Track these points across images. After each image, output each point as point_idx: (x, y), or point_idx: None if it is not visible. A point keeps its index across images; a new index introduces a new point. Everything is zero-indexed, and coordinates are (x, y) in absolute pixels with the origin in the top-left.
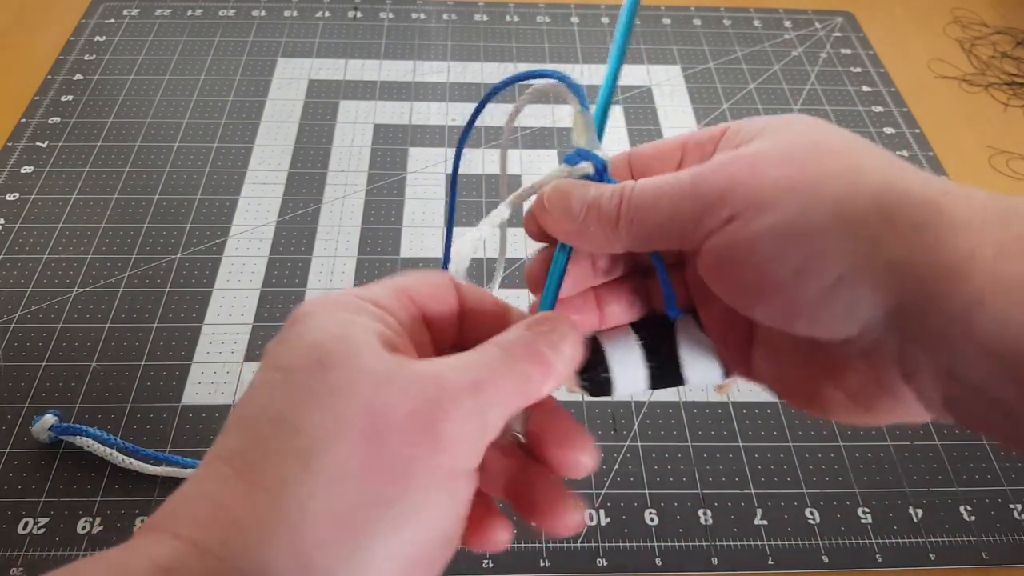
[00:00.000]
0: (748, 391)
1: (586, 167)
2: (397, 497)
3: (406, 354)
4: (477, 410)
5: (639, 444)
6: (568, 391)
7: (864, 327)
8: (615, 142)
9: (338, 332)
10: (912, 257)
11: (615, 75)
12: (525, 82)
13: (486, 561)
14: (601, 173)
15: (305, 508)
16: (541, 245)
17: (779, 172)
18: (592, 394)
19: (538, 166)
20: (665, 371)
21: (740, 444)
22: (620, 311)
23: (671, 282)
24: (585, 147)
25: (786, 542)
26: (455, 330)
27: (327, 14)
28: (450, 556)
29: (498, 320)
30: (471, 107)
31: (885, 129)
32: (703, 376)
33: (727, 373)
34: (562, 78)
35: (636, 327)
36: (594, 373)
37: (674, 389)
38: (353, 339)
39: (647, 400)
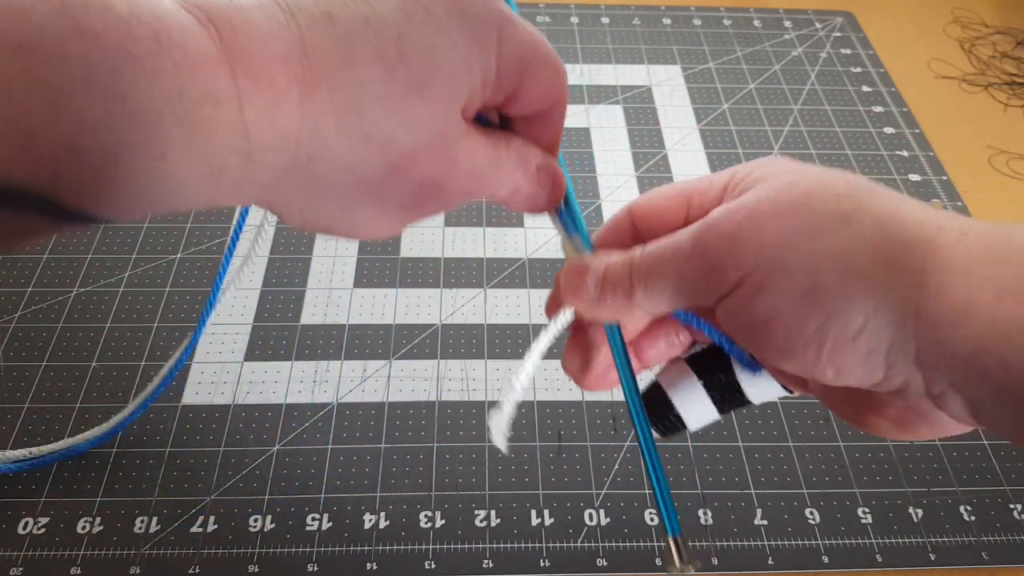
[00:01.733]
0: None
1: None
2: (363, 211)
3: (470, 110)
4: (455, 202)
5: (639, 444)
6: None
7: (889, 371)
8: (615, 142)
9: (454, 76)
10: (919, 307)
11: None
12: None
13: (486, 561)
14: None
15: (314, 168)
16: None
17: (776, 225)
18: (666, 437)
19: None
20: (729, 397)
21: (740, 444)
22: (661, 352)
23: (714, 329)
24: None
25: (786, 542)
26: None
27: None
28: (358, 240)
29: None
30: None
31: (885, 129)
32: (766, 394)
33: (789, 389)
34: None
35: (690, 362)
36: (664, 417)
37: None
38: (454, 93)
39: None
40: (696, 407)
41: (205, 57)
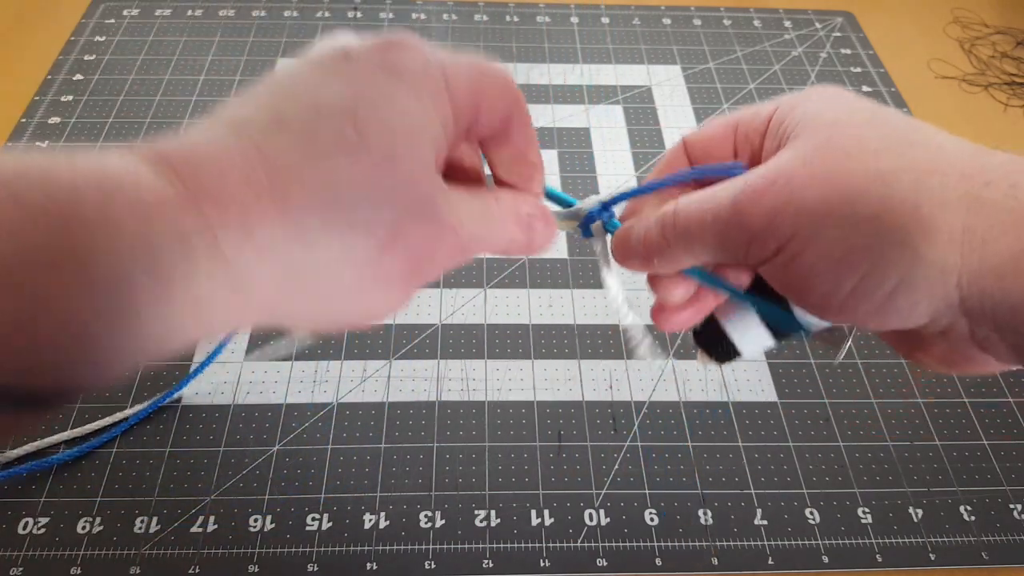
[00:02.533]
0: (748, 391)
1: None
2: (365, 295)
3: (440, 159)
4: (456, 261)
5: (639, 444)
6: (703, 366)
7: (932, 317)
8: (615, 141)
9: (416, 135)
10: (961, 261)
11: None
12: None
13: (486, 561)
14: (594, 217)
15: (309, 269)
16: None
17: (812, 195)
18: (722, 361)
19: None
20: (781, 321)
21: (740, 444)
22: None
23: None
24: (576, 211)
25: (786, 542)
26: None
27: (327, 14)
28: (374, 323)
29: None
30: None
31: None
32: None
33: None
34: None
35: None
36: (719, 345)
37: (674, 389)
38: (421, 153)
39: (647, 400)
40: (749, 333)
41: (163, 199)
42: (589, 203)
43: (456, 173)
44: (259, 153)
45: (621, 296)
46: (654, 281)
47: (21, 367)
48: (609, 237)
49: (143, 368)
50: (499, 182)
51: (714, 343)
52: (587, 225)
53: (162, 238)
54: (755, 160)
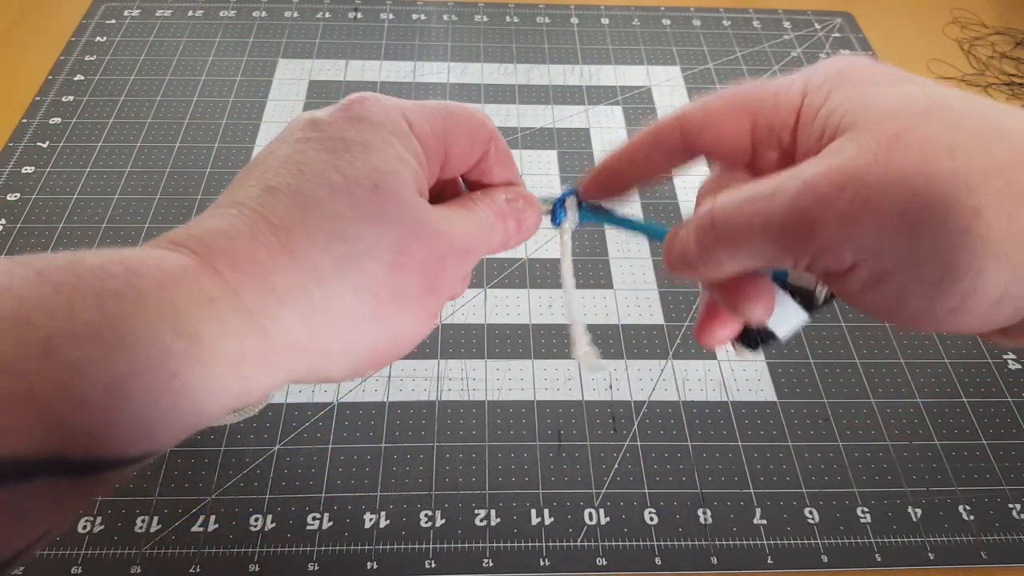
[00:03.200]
0: (748, 391)
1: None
2: (390, 318)
3: (423, 191)
4: (465, 266)
5: (639, 444)
6: (737, 356)
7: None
8: (615, 142)
9: (394, 167)
10: None
11: None
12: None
13: (486, 560)
14: (562, 201)
15: (330, 303)
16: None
17: (893, 203)
18: (758, 347)
19: (538, 165)
20: (810, 298)
21: (739, 444)
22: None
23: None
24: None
25: (785, 541)
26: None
27: (327, 15)
28: (407, 350)
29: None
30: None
31: None
32: None
33: None
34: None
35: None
36: (754, 331)
37: (674, 389)
38: (403, 181)
39: (647, 400)
40: (786, 314)
41: (184, 268)
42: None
43: (438, 200)
44: (260, 217)
45: (574, 291)
46: (723, 292)
47: (62, 428)
48: (569, 228)
49: None
50: None
51: (748, 330)
52: (557, 209)
53: (187, 301)
54: (786, 158)
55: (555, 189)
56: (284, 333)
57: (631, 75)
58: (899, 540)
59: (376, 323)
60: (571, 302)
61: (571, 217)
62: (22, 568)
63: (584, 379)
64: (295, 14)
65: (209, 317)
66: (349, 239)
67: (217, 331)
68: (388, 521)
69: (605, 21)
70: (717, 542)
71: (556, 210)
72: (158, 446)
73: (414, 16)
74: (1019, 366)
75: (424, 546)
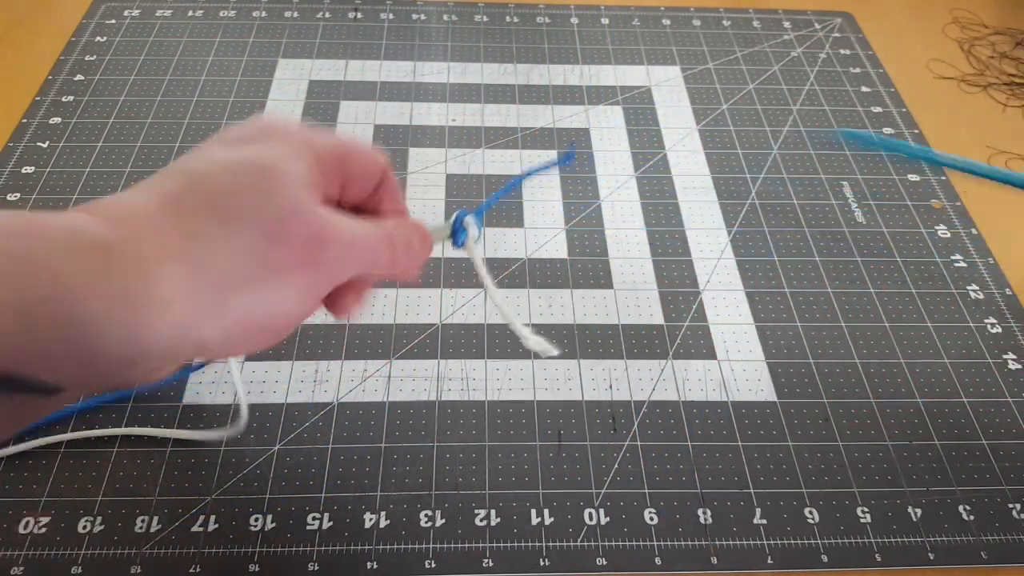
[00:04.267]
0: (747, 391)
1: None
2: (267, 286)
3: (315, 193)
4: (349, 258)
5: (639, 443)
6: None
7: None
8: (615, 142)
9: (282, 160)
10: None
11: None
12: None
13: (486, 560)
14: (461, 219)
15: (207, 262)
16: None
17: None
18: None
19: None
20: None
21: (739, 443)
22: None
23: None
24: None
25: (785, 541)
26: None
27: (327, 15)
28: (289, 331)
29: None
30: (471, 108)
31: (884, 129)
32: None
33: None
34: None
35: None
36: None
37: (674, 388)
38: (291, 172)
39: (647, 400)
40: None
41: (81, 220)
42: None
43: None
44: (154, 189)
45: (498, 293)
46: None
47: (21, 354)
48: (472, 241)
49: None
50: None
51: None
52: (457, 231)
53: (80, 245)
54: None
55: (555, 190)
56: (165, 282)
57: (631, 75)
58: (899, 540)
59: (251, 290)
60: (500, 304)
61: (471, 233)
62: (22, 568)
63: (584, 379)
64: (295, 14)
65: (98, 258)
66: (231, 207)
67: (104, 270)
68: (388, 521)
69: (605, 21)
70: (717, 542)
71: (456, 232)
72: (64, 373)
73: (414, 16)
74: (1019, 366)
75: (424, 546)
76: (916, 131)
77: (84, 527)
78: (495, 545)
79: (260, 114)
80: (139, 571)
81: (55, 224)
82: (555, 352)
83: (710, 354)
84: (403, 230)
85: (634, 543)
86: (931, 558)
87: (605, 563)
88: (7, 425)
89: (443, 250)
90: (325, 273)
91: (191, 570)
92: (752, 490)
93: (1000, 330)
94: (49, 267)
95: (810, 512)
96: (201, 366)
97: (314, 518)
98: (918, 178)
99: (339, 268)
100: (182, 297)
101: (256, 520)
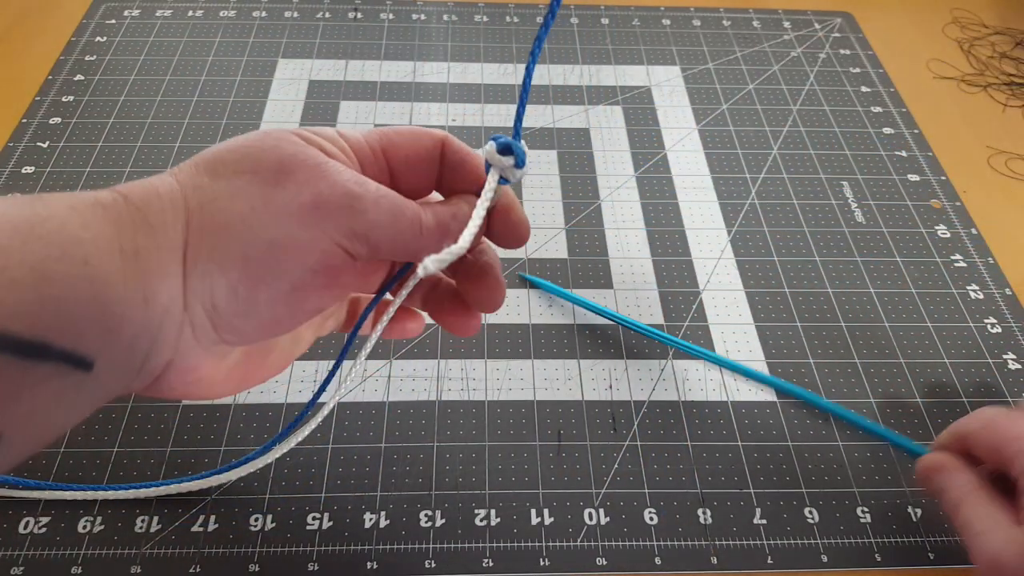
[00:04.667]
0: (747, 390)
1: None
2: (274, 230)
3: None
4: (348, 206)
5: (638, 443)
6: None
7: None
8: (615, 142)
9: (305, 147)
10: None
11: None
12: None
13: (486, 560)
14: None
15: (230, 249)
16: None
17: None
18: None
19: (538, 165)
20: None
21: (739, 443)
22: None
23: None
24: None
25: (785, 541)
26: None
27: (327, 15)
28: (309, 308)
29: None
30: (471, 108)
31: (884, 129)
32: None
33: None
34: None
35: None
36: None
37: (674, 388)
38: (306, 146)
39: (647, 400)
40: None
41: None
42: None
43: None
44: (179, 169)
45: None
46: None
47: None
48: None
49: None
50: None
51: None
52: (515, 153)
53: (101, 209)
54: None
55: (555, 190)
56: (176, 244)
57: (631, 75)
58: (899, 540)
59: (267, 236)
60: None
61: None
62: (22, 568)
63: (584, 379)
64: (295, 14)
65: (111, 221)
66: (240, 157)
67: (118, 234)
68: (388, 521)
69: (605, 21)
70: (717, 542)
71: (516, 154)
72: (89, 345)
73: (414, 16)
74: (1019, 366)
75: (424, 546)
76: (916, 131)
77: (84, 527)
78: (495, 545)
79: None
80: (139, 571)
81: (72, 195)
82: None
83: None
84: (448, 207)
85: (634, 543)
86: (931, 558)
87: (605, 563)
88: (65, 410)
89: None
90: (335, 222)
91: (191, 570)
92: (752, 490)
93: (1000, 330)
94: (64, 229)
95: (810, 512)
96: None
97: (314, 518)
98: (918, 178)
99: (349, 220)
100: (192, 256)
101: (256, 520)
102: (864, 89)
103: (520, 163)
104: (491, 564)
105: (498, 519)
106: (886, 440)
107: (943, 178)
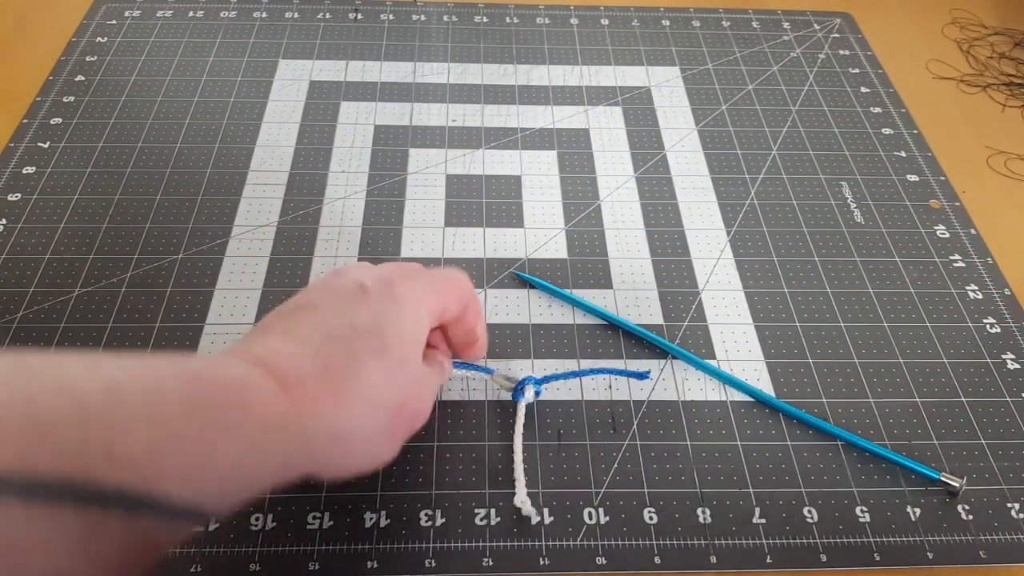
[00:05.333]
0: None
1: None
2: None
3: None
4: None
5: (638, 443)
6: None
7: None
8: (615, 142)
9: (415, 338)
10: None
11: None
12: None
13: (486, 559)
14: (524, 385)
15: (355, 418)
16: None
17: None
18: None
19: (538, 166)
20: None
21: (739, 443)
22: None
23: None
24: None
25: (784, 540)
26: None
27: (328, 16)
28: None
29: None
30: (471, 108)
31: (883, 130)
32: None
33: None
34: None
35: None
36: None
37: (673, 388)
38: (419, 348)
39: (646, 400)
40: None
41: (264, 387)
42: (520, 377)
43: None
44: (320, 358)
45: (521, 465)
46: None
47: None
48: (524, 406)
49: None
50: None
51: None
52: (519, 389)
53: (267, 414)
54: None
55: (555, 190)
56: (316, 442)
57: (631, 75)
58: (898, 539)
59: (368, 447)
60: (517, 451)
61: (528, 396)
62: None
63: (584, 379)
64: (295, 15)
65: (276, 419)
66: (374, 393)
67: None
68: (388, 520)
69: (605, 22)
70: (716, 541)
71: (516, 390)
72: (193, 486)
73: (414, 17)
74: (1019, 366)
75: (424, 545)
76: (915, 131)
77: None
78: (495, 544)
79: (393, 273)
80: None
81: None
82: (536, 518)
83: (709, 354)
84: (450, 362)
85: (633, 542)
86: (930, 557)
87: (605, 562)
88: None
89: (443, 249)
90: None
91: (191, 570)
92: (751, 489)
93: (999, 330)
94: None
95: (809, 511)
96: None
97: (314, 517)
98: (917, 178)
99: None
100: (317, 454)
101: (257, 519)
102: (863, 89)
103: (515, 396)
104: (491, 563)
105: (498, 518)
106: (899, 465)
107: (942, 178)
